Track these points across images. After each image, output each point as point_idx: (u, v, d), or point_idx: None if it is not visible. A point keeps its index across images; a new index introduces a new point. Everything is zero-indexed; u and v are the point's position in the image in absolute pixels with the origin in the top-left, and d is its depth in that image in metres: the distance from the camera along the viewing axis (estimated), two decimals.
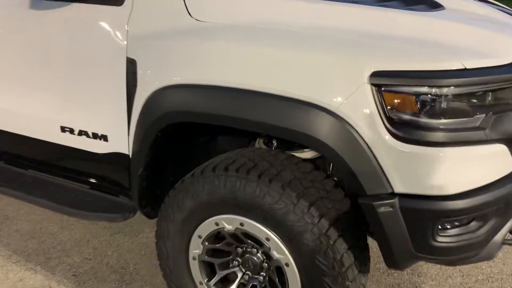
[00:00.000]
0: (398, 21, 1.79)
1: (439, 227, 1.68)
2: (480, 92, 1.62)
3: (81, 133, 2.25)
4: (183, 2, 1.95)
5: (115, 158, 2.20)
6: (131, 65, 1.99)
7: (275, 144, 2.18)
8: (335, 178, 1.95)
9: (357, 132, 1.59)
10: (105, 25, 2.06)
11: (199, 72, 1.82)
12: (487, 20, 2.04)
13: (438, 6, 1.98)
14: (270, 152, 1.94)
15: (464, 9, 2.09)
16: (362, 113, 1.59)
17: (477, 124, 1.62)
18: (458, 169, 1.62)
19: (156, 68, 1.92)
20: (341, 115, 1.60)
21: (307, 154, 2.12)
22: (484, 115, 1.62)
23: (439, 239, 1.69)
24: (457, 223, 1.71)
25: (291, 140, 1.78)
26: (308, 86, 1.64)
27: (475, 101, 1.62)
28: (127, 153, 2.15)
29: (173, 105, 1.85)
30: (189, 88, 1.82)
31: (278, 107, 1.67)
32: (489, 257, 1.87)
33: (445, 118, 1.59)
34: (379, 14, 1.84)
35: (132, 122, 2.05)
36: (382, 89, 1.58)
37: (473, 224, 1.74)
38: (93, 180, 2.42)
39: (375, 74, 1.57)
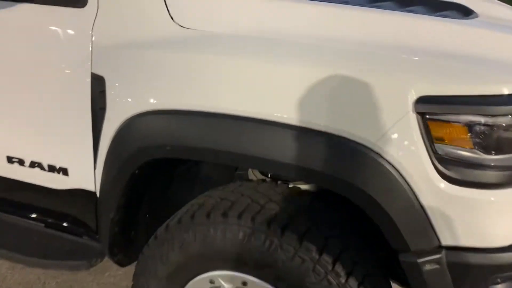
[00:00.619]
0: (433, 31, 1.45)
1: (491, 283, 1.38)
2: None
3: (33, 165, 1.81)
4: (163, 2, 1.55)
5: (78, 195, 1.77)
6: (98, 82, 1.56)
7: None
8: None
9: (399, 173, 1.25)
10: (62, 31, 1.63)
11: (188, 95, 1.42)
12: None
13: (470, 12, 1.67)
14: (275, 189, 1.58)
15: (497, 15, 1.78)
16: (405, 149, 1.25)
17: None
18: None
19: (131, 87, 1.50)
20: (379, 152, 1.25)
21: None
22: None
23: None
24: (508, 277, 1.42)
25: (317, 184, 1.42)
26: (337, 114, 1.28)
27: None
28: (93, 190, 1.73)
29: (156, 138, 1.44)
30: (177, 115, 1.42)
31: (300, 142, 1.30)
32: None
33: (505, 153, 1.28)
34: (407, 22, 1.49)
35: (100, 154, 1.63)
36: (427, 117, 1.25)
37: None
38: (51, 220, 1.98)
39: (422, 100, 1.23)
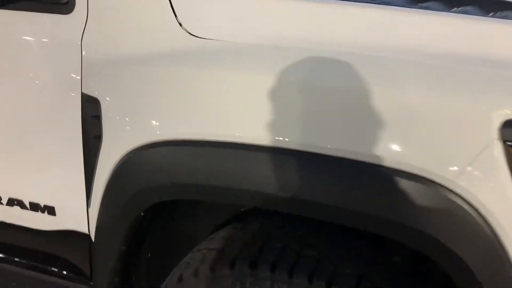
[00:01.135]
0: (504, 37, 1.20)
1: None
2: None
3: (12, 202, 1.51)
4: (169, 5, 1.27)
5: (68, 238, 1.48)
6: (91, 105, 1.28)
7: None
8: None
9: (481, 216, 1.00)
10: (44, 42, 1.34)
11: (211, 122, 1.14)
12: None
13: None
14: (309, 229, 1.31)
15: None
16: (490, 186, 0.99)
17: None
18: None
19: (135, 112, 1.22)
20: (456, 191, 0.99)
21: None
22: None
23: None
24: None
25: (369, 230, 1.14)
26: (400, 144, 1.02)
27: None
28: (86, 232, 1.44)
29: (168, 176, 1.16)
30: (196, 147, 1.13)
31: (351, 179, 1.04)
32: None
33: None
34: (469, 25, 1.23)
35: (94, 191, 1.34)
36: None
37: None
38: (34, 262, 1.68)
39: (509, 125, 0.99)
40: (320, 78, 1.10)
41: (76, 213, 1.42)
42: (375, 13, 1.24)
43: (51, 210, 1.47)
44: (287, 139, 1.10)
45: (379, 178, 1.04)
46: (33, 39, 1.35)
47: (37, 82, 1.35)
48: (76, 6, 1.30)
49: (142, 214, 1.26)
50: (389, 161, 1.03)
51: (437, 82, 1.04)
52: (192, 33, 1.25)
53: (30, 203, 1.48)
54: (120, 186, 1.25)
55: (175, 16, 1.26)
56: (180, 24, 1.26)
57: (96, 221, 1.38)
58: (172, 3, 1.27)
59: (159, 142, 1.18)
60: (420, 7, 1.34)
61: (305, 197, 1.08)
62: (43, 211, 1.48)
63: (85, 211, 1.40)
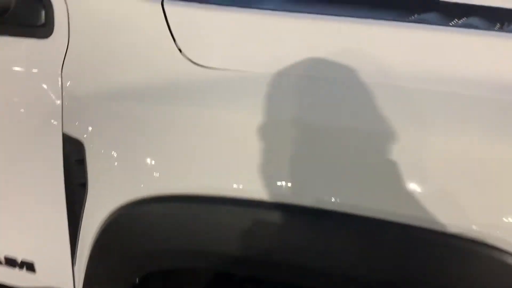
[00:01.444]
0: None
1: None
2: None
3: None
4: (166, 26, 1.06)
5: None
6: (73, 148, 1.06)
7: None
8: None
9: None
10: (16, 72, 1.13)
11: (217, 173, 0.93)
12: None
13: None
14: None
15: None
16: None
17: None
18: None
19: (127, 159, 1.01)
20: None
21: None
22: None
23: None
24: None
25: None
26: (462, 206, 0.82)
27: None
28: None
29: (167, 240, 0.95)
30: (200, 204, 0.92)
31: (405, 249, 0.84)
32: None
33: None
34: None
35: (80, 247, 1.12)
36: None
37: None
38: None
39: None
40: (342, 118, 0.89)
41: (59, 271, 1.20)
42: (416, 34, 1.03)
43: (30, 266, 1.25)
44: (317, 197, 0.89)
45: (430, 247, 0.83)
46: (4, 68, 1.13)
47: (10, 120, 1.13)
48: (55, 29, 1.09)
49: (138, 281, 1.05)
50: (444, 226, 0.83)
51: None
52: (195, 61, 1.04)
53: (6, 258, 1.27)
54: (111, 248, 1.03)
55: (174, 40, 1.05)
56: (180, 50, 1.04)
57: (83, 281, 1.17)
58: (170, 24, 1.06)
59: (157, 197, 0.96)
60: (459, 26, 1.14)
61: (336, 271, 0.87)
62: (21, 267, 1.26)
63: (70, 269, 1.19)
